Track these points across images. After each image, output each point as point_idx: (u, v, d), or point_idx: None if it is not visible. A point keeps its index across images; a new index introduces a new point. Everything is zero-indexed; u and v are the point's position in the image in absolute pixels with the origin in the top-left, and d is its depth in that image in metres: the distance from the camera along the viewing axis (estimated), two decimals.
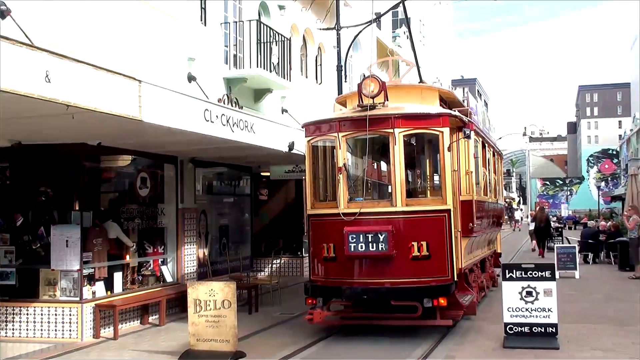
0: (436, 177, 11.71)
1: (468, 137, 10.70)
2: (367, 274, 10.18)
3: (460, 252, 10.55)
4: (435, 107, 11.24)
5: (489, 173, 14.11)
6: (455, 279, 10.22)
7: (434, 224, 10.23)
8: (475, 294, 11.69)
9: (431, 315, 10.23)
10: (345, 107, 12.06)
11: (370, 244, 9.98)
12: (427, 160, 12.10)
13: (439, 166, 10.88)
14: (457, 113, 11.02)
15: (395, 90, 11.17)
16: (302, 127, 11.57)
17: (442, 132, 10.42)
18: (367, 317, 10.91)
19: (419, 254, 10.05)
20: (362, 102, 10.40)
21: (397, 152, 10.30)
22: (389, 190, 10.68)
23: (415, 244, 10.06)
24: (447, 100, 12.42)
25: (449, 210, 10.25)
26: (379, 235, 9.96)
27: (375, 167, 12.22)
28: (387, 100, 10.48)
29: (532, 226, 28.64)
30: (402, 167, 10.37)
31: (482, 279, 13.61)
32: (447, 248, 10.13)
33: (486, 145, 13.81)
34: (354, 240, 10.03)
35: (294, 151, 12.63)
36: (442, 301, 9.86)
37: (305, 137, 11.25)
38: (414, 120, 10.57)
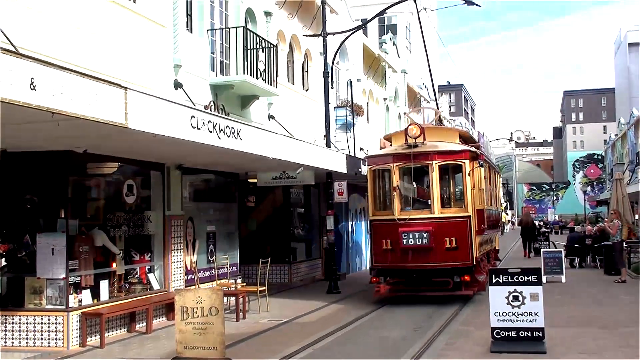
0: (459, 192, 16.14)
1: (481, 166, 15.43)
2: (415, 260, 14.54)
3: (476, 245, 14.85)
4: (457, 145, 15.87)
5: (491, 187, 18.82)
6: (474, 263, 14.53)
7: (459, 225, 14.58)
8: (485, 276, 15.21)
9: (458, 288, 14.47)
10: (391, 142, 16.69)
11: (417, 239, 14.41)
12: (452, 181, 16.62)
13: (462, 185, 15.40)
14: (473, 149, 15.61)
15: (428, 130, 15.43)
16: (365, 159, 17.14)
17: (465, 162, 15.02)
18: (414, 290, 14.80)
19: (450, 246, 14.39)
20: (408, 141, 14.93)
21: (435, 176, 14.80)
22: (429, 202, 15.12)
23: (447, 239, 14.43)
24: (463, 137, 17.09)
25: (469, 216, 14.70)
26: (423, 233, 14.40)
27: (418, 186, 16.58)
28: (425, 139, 14.90)
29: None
30: (438, 186, 14.84)
31: (488, 266, 16.97)
32: (468, 242, 14.51)
33: (490, 167, 18.99)
34: (406, 237, 14.45)
35: (358, 174, 17.66)
36: (467, 277, 14.31)
37: (368, 165, 16.08)
38: (445, 154, 15.13)
